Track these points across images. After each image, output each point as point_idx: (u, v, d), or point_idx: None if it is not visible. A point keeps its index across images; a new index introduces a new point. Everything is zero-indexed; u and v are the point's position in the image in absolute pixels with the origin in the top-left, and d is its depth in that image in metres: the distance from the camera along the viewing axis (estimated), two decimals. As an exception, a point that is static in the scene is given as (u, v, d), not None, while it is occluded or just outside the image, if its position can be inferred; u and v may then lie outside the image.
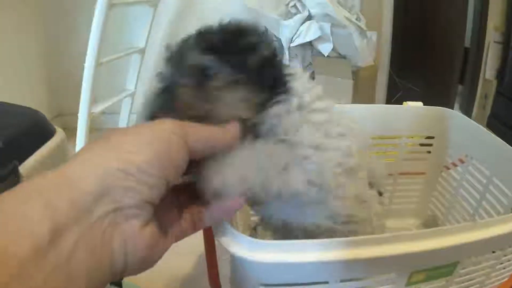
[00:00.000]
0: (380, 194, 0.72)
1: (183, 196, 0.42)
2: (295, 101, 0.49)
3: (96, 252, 0.31)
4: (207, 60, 0.46)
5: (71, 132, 1.32)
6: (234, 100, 0.46)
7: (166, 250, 0.37)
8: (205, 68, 0.46)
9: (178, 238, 0.39)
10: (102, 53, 1.33)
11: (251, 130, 0.48)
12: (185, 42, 0.49)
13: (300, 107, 0.50)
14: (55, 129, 0.71)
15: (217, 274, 0.55)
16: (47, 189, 0.30)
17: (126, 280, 0.91)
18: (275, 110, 0.48)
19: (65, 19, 1.68)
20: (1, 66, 1.44)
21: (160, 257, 0.36)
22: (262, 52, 0.47)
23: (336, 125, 0.53)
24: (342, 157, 0.52)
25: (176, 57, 0.48)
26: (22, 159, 0.62)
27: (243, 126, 0.45)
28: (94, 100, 1.37)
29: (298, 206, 0.51)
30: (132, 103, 1.71)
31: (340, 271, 0.46)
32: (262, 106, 0.48)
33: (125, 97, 1.65)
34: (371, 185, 0.71)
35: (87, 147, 0.34)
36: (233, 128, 0.40)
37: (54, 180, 0.31)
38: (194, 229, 0.41)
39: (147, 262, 0.35)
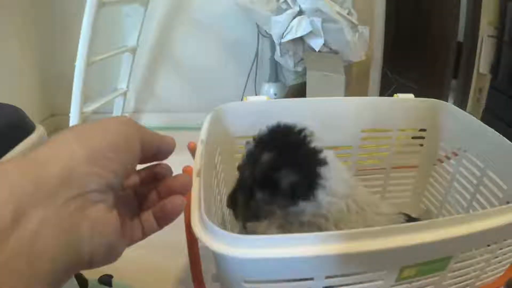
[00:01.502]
0: None
1: (132, 203, 0.43)
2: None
3: (61, 236, 0.30)
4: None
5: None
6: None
7: (124, 248, 0.38)
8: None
9: (131, 241, 0.40)
10: (94, 52, 1.32)
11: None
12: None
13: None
14: (34, 125, 0.69)
15: (201, 272, 0.53)
16: (12, 171, 0.30)
17: (116, 280, 0.91)
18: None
19: (57, 20, 1.67)
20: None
21: (120, 253, 0.37)
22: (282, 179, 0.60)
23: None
24: None
25: None
26: (0, 155, 0.60)
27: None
28: (86, 99, 1.36)
29: None
30: (124, 102, 1.70)
31: (325, 267, 0.44)
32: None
33: (117, 96, 1.64)
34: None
35: (55, 136, 0.35)
36: (171, 139, 0.43)
37: (20, 164, 0.31)
38: (144, 234, 0.41)
39: (112, 250, 0.35)
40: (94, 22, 1.26)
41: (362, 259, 0.44)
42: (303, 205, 0.61)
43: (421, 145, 0.90)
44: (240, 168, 0.67)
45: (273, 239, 0.42)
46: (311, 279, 0.45)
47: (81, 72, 1.30)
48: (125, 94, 1.68)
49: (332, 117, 0.82)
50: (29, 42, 1.65)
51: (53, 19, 1.67)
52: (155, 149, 0.40)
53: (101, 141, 0.34)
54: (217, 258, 0.45)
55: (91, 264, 0.33)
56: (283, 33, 1.42)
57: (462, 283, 0.58)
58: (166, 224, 0.42)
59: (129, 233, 0.39)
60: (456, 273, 0.55)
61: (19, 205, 0.29)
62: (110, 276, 0.93)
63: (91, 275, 0.92)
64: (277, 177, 0.61)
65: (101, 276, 0.93)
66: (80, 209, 0.32)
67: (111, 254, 0.35)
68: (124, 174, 0.36)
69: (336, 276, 0.46)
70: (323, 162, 0.62)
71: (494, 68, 1.66)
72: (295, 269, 0.44)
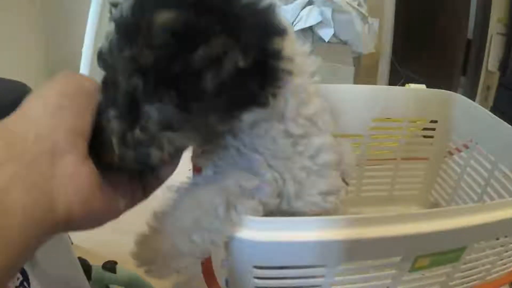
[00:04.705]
0: (346, 184, 0.67)
1: None
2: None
3: (33, 191, 0.31)
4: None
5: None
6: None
7: (117, 211, 0.38)
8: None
9: (133, 202, 0.40)
10: (101, 39, 1.32)
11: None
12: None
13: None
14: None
15: (210, 259, 0.52)
16: None
17: (119, 265, 0.91)
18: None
19: (64, 8, 1.66)
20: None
21: (106, 217, 0.37)
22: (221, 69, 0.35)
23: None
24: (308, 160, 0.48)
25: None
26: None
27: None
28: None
29: None
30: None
31: (339, 253, 0.42)
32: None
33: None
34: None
35: (21, 104, 0.36)
36: None
37: None
38: (146, 193, 0.42)
39: (90, 208, 0.35)
40: (101, 8, 1.26)
41: (379, 245, 0.43)
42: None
43: (432, 137, 0.89)
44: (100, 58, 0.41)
45: (285, 221, 0.41)
46: (323, 266, 0.43)
47: (88, 59, 1.31)
48: (130, 82, 1.67)
49: (342, 104, 0.80)
50: (36, 30, 1.64)
51: (61, 7, 1.66)
52: None
53: (53, 94, 0.35)
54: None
55: (69, 223, 0.33)
56: (292, 23, 1.41)
57: (473, 276, 0.57)
58: (167, 177, 0.43)
59: (129, 194, 0.40)
60: (468, 265, 0.53)
61: None
62: (115, 263, 0.93)
63: (95, 261, 0.91)
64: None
65: (105, 262, 0.93)
66: (50, 164, 0.33)
67: (91, 214, 0.35)
68: (85, 115, 0.36)
69: (349, 262, 0.45)
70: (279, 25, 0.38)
71: (503, 66, 1.65)
72: (306, 254, 0.42)
